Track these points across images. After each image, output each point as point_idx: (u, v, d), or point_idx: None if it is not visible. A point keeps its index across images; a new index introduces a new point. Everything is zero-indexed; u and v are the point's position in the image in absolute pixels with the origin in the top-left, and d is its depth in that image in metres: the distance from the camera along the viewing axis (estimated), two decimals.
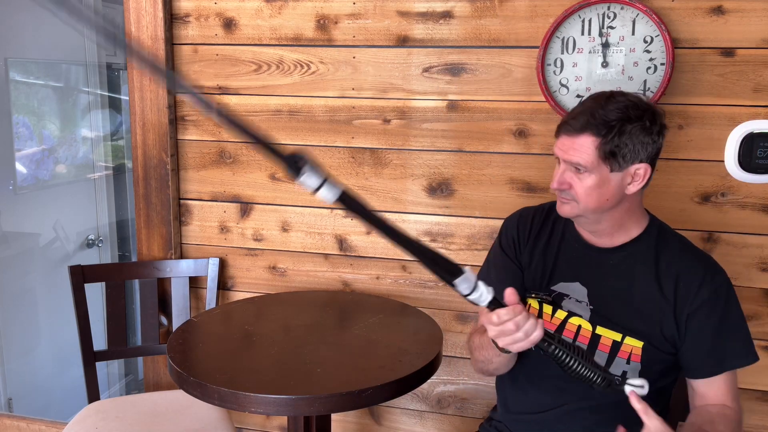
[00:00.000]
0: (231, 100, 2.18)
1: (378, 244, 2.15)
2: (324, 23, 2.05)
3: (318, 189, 0.94)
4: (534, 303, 1.48)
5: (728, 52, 1.80)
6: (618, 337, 1.39)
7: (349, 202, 1.00)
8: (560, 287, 1.46)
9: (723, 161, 1.85)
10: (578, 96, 1.87)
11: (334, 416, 2.14)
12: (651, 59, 1.81)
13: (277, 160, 0.97)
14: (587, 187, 1.33)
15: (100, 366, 2.42)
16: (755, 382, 1.96)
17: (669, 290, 1.37)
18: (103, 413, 1.98)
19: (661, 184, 1.90)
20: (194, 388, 1.39)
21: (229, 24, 2.13)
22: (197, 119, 2.22)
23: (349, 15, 2.03)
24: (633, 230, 1.42)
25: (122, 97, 3.23)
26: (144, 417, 1.96)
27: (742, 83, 1.81)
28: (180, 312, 2.24)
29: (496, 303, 1.08)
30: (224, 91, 2.18)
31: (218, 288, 2.26)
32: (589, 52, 1.85)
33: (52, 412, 2.84)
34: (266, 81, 2.14)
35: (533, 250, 1.52)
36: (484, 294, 1.03)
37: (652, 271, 1.39)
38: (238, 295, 2.31)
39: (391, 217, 2.12)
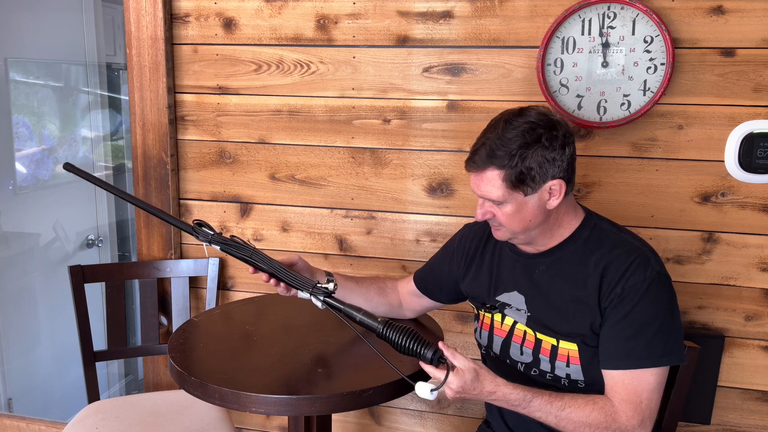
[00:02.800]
0: (231, 100, 2.18)
1: (378, 245, 2.15)
2: (324, 23, 2.05)
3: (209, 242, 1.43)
4: (487, 314, 1.55)
5: (728, 52, 1.80)
6: (554, 341, 1.42)
7: (228, 249, 1.44)
8: (503, 297, 1.52)
9: (723, 161, 1.86)
10: (578, 96, 1.87)
11: (334, 416, 2.14)
12: (651, 59, 1.81)
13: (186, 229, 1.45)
14: (508, 214, 1.37)
15: (100, 366, 2.42)
16: (755, 382, 1.96)
17: (594, 287, 1.37)
18: (103, 413, 1.98)
19: (661, 184, 1.91)
20: (195, 387, 1.39)
21: (229, 24, 2.13)
22: (197, 119, 2.22)
23: (349, 15, 2.03)
24: (562, 233, 1.44)
25: (122, 97, 3.23)
26: (144, 417, 1.96)
27: (742, 83, 1.81)
28: (180, 312, 2.24)
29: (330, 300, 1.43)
30: (224, 91, 2.18)
31: (218, 288, 2.26)
32: (590, 52, 1.85)
33: (52, 412, 2.84)
34: (266, 81, 2.14)
35: (480, 265, 1.58)
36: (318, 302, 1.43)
37: (579, 271, 1.40)
38: (238, 295, 2.31)
39: (392, 217, 2.12)
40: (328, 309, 1.42)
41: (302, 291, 1.45)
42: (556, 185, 1.34)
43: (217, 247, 1.44)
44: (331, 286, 1.44)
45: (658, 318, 1.32)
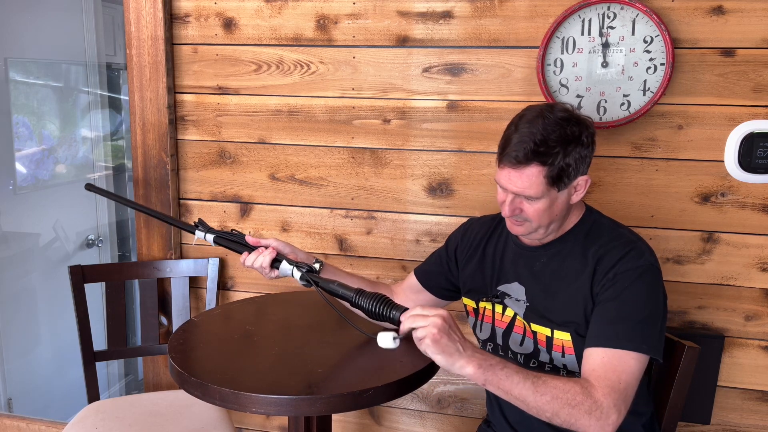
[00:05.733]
0: (231, 100, 2.18)
1: (378, 245, 2.15)
2: (324, 23, 2.05)
3: (204, 236, 1.58)
4: (488, 305, 1.56)
5: (728, 52, 1.80)
6: (548, 332, 1.43)
7: (221, 241, 1.57)
8: (504, 287, 1.53)
9: (723, 161, 1.86)
10: (578, 96, 1.87)
11: (334, 416, 2.14)
12: (651, 59, 1.81)
13: (182, 227, 1.62)
14: (539, 210, 1.37)
15: (100, 366, 2.42)
16: (755, 382, 1.96)
17: (589, 275, 1.39)
18: (103, 413, 1.98)
19: (661, 184, 1.91)
20: (195, 388, 1.39)
21: (229, 24, 2.13)
22: (197, 119, 2.22)
23: (349, 15, 2.03)
24: (565, 226, 1.46)
25: (122, 97, 3.23)
26: (144, 417, 1.96)
27: (742, 83, 1.81)
28: (180, 312, 2.24)
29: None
30: (224, 91, 2.18)
31: (218, 288, 2.26)
32: (589, 52, 1.85)
33: (52, 412, 2.84)
34: (266, 81, 2.14)
35: (483, 257, 1.59)
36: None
37: (578, 263, 1.42)
38: (238, 295, 2.31)
39: (392, 217, 2.12)
40: (323, 301, 1.47)
41: (289, 264, 1.51)
42: (583, 181, 1.38)
43: (211, 237, 1.57)
44: (317, 266, 1.52)
45: (647, 307, 1.33)
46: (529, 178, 1.33)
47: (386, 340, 1.27)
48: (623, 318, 1.32)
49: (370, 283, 1.71)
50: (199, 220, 1.60)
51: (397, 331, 1.30)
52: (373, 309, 1.37)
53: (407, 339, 1.30)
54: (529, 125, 1.32)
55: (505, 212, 1.40)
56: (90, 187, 1.74)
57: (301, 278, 1.48)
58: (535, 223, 1.40)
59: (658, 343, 1.33)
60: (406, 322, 1.27)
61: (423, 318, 1.25)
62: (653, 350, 1.32)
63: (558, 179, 1.33)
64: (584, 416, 1.22)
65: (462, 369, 1.23)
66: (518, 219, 1.41)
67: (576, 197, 1.39)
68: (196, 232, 1.58)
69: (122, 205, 1.73)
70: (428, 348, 1.23)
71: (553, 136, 1.30)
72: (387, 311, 1.35)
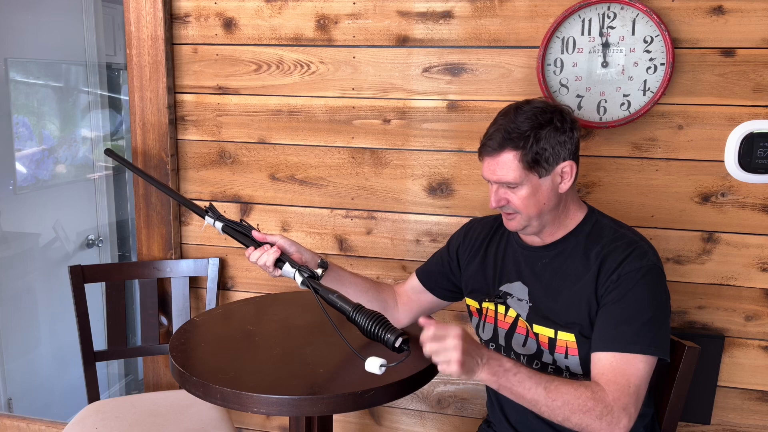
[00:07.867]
0: (231, 100, 2.18)
1: (378, 245, 2.15)
2: (324, 23, 2.05)
3: (213, 223, 1.57)
4: (491, 306, 1.56)
5: (728, 52, 1.80)
6: (551, 333, 1.44)
7: (229, 231, 1.56)
8: (506, 287, 1.54)
9: (723, 161, 1.86)
10: (578, 96, 1.87)
11: (334, 416, 2.14)
12: (651, 59, 1.82)
13: (194, 209, 1.61)
14: (523, 197, 1.40)
15: (100, 366, 2.42)
16: (755, 382, 1.96)
17: (593, 276, 1.39)
18: (103, 413, 1.98)
19: (661, 184, 1.91)
20: (197, 387, 1.39)
21: (229, 24, 2.13)
22: (197, 119, 2.22)
23: (349, 15, 2.03)
24: (567, 225, 1.47)
25: (122, 97, 3.23)
26: (144, 417, 1.96)
27: (742, 83, 1.81)
28: (180, 312, 2.24)
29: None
30: (224, 91, 2.17)
31: (218, 288, 2.26)
32: (589, 52, 1.85)
33: (52, 412, 2.84)
34: (266, 81, 2.14)
35: (485, 257, 1.60)
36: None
37: (580, 264, 1.42)
38: (238, 295, 2.31)
39: (392, 217, 2.12)
40: (315, 296, 1.45)
41: (291, 267, 1.49)
42: (567, 167, 1.39)
43: (220, 225, 1.56)
44: (319, 271, 1.50)
45: (651, 308, 1.34)
46: (505, 163, 1.37)
47: (373, 366, 1.26)
48: (629, 320, 1.32)
49: (374, 284, 1.71)
50: (210, 205, 1.59)
51: (396, 341, 1.30)
52: (369, 328, 1.35)
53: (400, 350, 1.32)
54: (504, 116, 1.40)
55: (492, 203, 1.43)
56: (109, 152, 1.76)
57: (302, 284, 1.47)
58: (524, 214, 1.41)
59: (664, 344, 1.34)
60: (425, 348, 1.27)
61: (440, 342, 1.25)
62: (660, 351, 1.32)
63: (535, 163, 1.36)
64: (595, 421, 1.25)
65: (477, 376, 1.27)
66: (507, 210, 1.44)
67: (564, 185, 1.40)
68: (206, 217, 1.57)
69: (138, 175, 1.77)
70: (454, 372, 1.24)
71: (526, 123, 1.36)
72: (382, 333, 1.32)
